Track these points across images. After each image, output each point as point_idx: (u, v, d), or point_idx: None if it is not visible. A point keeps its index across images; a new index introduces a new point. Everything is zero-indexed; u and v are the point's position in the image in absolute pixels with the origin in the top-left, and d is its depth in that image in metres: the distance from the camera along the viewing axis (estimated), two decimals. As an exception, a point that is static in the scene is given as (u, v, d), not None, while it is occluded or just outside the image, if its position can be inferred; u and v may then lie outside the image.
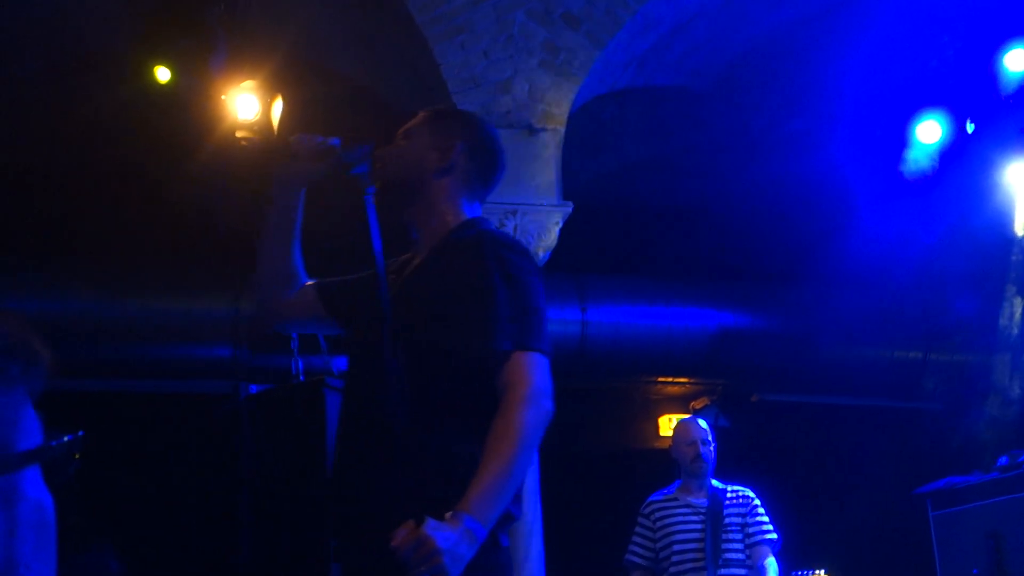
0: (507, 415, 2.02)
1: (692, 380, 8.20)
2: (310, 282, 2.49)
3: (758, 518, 4.82)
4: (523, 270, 2.19)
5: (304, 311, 2.46)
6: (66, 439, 0.84)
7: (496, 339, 2.08)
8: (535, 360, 2.10)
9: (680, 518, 4.83)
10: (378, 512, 2.07)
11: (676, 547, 4.79)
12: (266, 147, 2.42)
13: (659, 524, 4.87)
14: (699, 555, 4.72)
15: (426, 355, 2.13)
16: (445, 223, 2.34)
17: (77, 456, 0.82)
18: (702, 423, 5.01)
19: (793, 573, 4.71)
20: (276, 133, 2.42)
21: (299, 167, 2.39)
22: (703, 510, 4.80)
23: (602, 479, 7.76)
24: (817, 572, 4.63)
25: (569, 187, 5.84)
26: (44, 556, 0.79)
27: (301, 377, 5.15)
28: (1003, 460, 6.11)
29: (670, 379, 8.17)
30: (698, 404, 8.31)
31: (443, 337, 2.12)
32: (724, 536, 4.74)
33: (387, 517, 2.00)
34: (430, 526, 1.87)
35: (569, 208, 5.71)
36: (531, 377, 2.07)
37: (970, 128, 6.45)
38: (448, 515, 1.91)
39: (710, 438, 4.94)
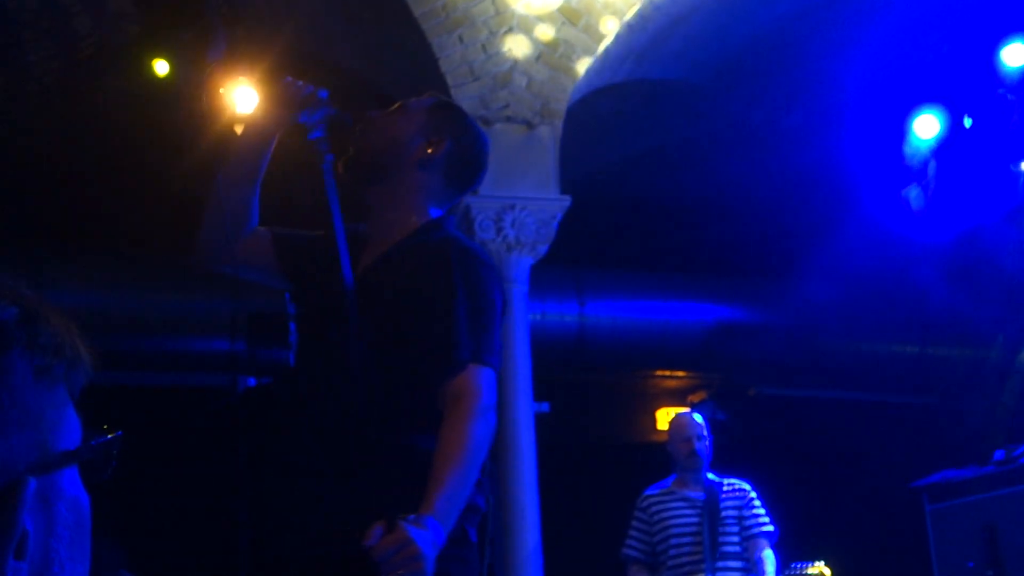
0: (458, 426, 2.03)
1: (690, 374, 8.21)
2: (264, 228, 2.39)
3: (755, 511, 4.83)
4: (487, 282, 2.17)
5: (254, 255, 2.36)
6: (106, 439, 0.85)
7: (457, 349, 2.08)
8: (486, 374, 2.11)
9: (676, 512, 4.84)
10: (340, 510, 2.06)
11: (673, 541, 4.80)
12: (255, 84, 2.36)
13: (656, 518, 4.88)
14: (696, 549, 4.73)
15: (385, 352, 2.11)
16: (409, 218, 2.27)
17: (115, 456, 0.84)
18: (697, 418, 5.01)
19: (792, 565, 4.72)
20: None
21: (279, 111, 2.29)
22: (699, 504, 4.80)
23: (600, 472, 7.77)
24: (816, 564, 4.64)
25: (567, 181, 5.84)
26: (78, 555, 0.80)
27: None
28: (999, 454, 6.12)
29: (668, 373, 8.18)
30: (695, 398, 8.32)
31: (405, 338, 2.12)
32: (721, 529, 4.75)
33: (348, 516, 2.00)
34: (411, 530, 1.86)
35: (567, 202, 5.70)
36: (481, 391, 2.08)
37: (968, 123, 6.45)
38: (413, 518, 1.90)
39: (705, 433, 4.94)
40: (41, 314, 0.84)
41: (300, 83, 2.25)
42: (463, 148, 2.33)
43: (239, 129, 2.37)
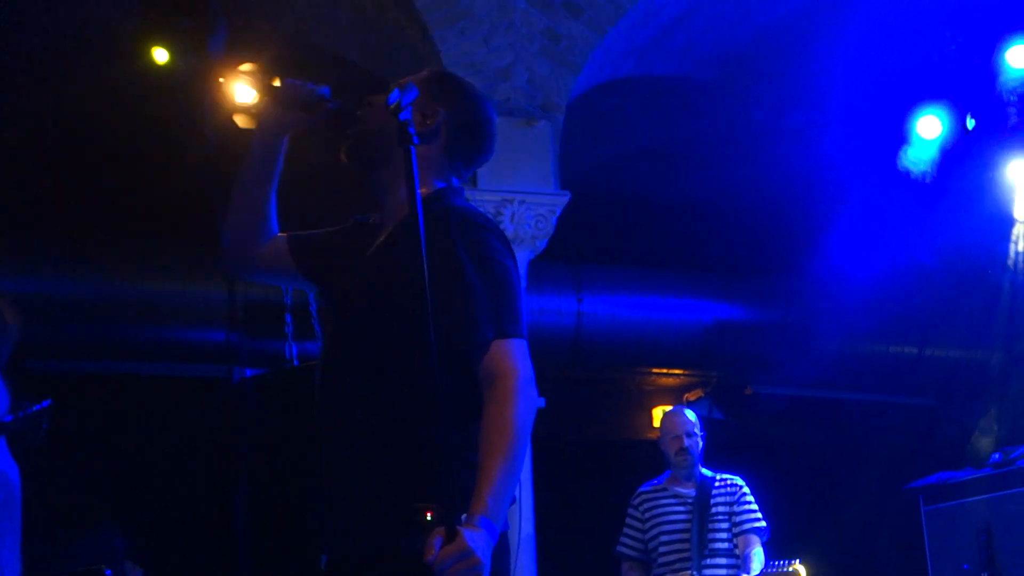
0: (501, 410, 1.94)
1: (686, 372, 8.20)
2: (282, 233, 2.38)
3: (746, 507, 4.82)
4: (496, 250, 2.07)
5: (273, 262, 2.35)
6: (33, 409, 0.81)
7: (476, 329, 1.98)
8: (516, 346, 2.01)
9: (668, 509, 4.84)
10: (373, 508, 2.00)
11: (664, 538, 4.80)
12: (256, 86, 2.27)
13: (648, 515, 4.88)
14: (686, 545, 4.72)
15: (397, 339, 2.02)
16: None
17: (45, 424, 0.79)
18: (689, 414, 5.00)
19: (770, 563, 4.70)
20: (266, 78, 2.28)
21: (284, 114, 2.27)
22: (690, 500, 4.80)
23: (595, 469, 7.76)
24: (793, 563, 4.62)
25: (567, 176, 5.82)
26: (7, 527, 0.76)
27: (295, 362, 5.15)
28: (996, 456, 6.12)
29: (665, 370, 8.17)
30: (692, 396, 8.31)
31: (416, 324, 1.96)
32: (711, 526, 4.74)
33: (380, 513, 1.96)
34: (469, 538, 1.79)
35: (567, 197, 5.69)
36: (516, 366, 1.99)
37: (971, 124, 6.43)
38: (465, 519, 1.83)
39: (696, 431, 4.93)
40: None
41: (300, 82, 2.22)
42: (459, 115, 2.25)
43: (240, 122, 2.34)
